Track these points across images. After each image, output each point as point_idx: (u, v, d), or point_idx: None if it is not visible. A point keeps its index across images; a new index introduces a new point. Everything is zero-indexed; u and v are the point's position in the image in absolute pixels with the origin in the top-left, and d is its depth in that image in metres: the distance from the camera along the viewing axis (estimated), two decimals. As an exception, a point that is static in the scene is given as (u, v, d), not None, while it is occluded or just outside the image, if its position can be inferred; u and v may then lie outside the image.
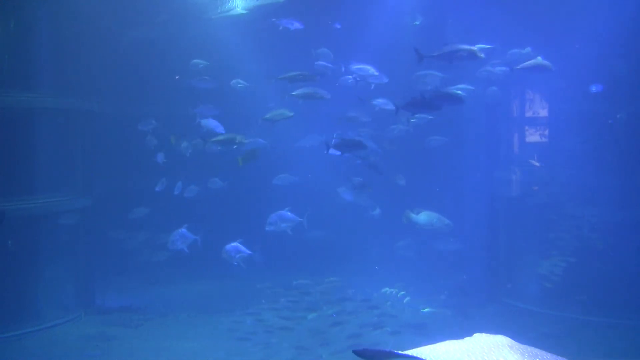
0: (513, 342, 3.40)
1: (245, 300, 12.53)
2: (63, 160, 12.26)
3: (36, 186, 11.53)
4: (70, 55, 12.01)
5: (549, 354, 3.31)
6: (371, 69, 10.21)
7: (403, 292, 11.32)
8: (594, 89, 11.77)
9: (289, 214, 10.38)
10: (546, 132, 13.07)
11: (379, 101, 10.50)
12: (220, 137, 9.93)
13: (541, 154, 12.45)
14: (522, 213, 12.57)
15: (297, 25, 10.87)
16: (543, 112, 13.00)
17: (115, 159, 13.58)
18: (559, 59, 10.95)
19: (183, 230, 10.79)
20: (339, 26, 11.52)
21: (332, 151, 11.31)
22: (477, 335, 3.45)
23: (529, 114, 13.22)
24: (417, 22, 12.32)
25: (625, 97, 11.42)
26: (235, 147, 10.15)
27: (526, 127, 13.15)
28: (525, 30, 11.29)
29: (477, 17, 12.10)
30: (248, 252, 9.90)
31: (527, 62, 9.66)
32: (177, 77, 13.49)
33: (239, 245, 9.89)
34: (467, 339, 3.43)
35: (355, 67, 10.32)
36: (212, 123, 11.15)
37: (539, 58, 9.58)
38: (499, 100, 12.54)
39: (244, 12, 12.71)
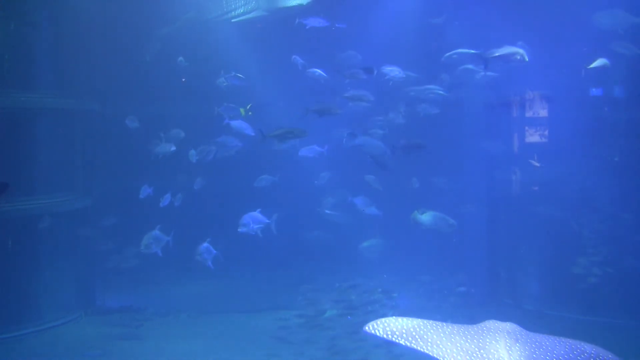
0: (516, 328, 3.82)
1: (244, 300, 12.61)
2: (63, 160, 12.23)
3: (36, 186, 11.52)
4: (71, 55, 11.98)
5: (551, 337, 3.56)
6: (400, 71, 10.93)
7: (395, 295, 11.26)
8: (594, 90, 11.82)
9: (260, 215, 10.18)
10: (547, 133, 13.07)
11: (423, 106, 11.53)
12: (279, 131, 9.73)
13: (547, 155, 12.42)
14: (524, 213, 12.58)
15: (323, 22, 10.99)
16: (548, 114, 12.96)
17: (116, 159, 13.56)
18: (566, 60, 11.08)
19: (156, 232, 10.50)
20: (343, 26, 11.53)
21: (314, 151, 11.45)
22: (487, 322, 3.74)
23: (529, 114, 13.20)
24: (439, 20, 12.35)
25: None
26: (293, 140, 9.92)
27: (529, 128, 13.13)
28: (528, 31, 11.27)
29: (479, 17, 12.10)
30: (215, 251, 9.89)
31: (595, 62, 9.73)
32: (183, 80, 13.49)
33: (208, 245, 9.86)
34: (480, 324, 3.80)
35: (388, 68, 10.91)
36: (240, 124, 11.14)
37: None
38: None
39: (265, 13, 12.66)
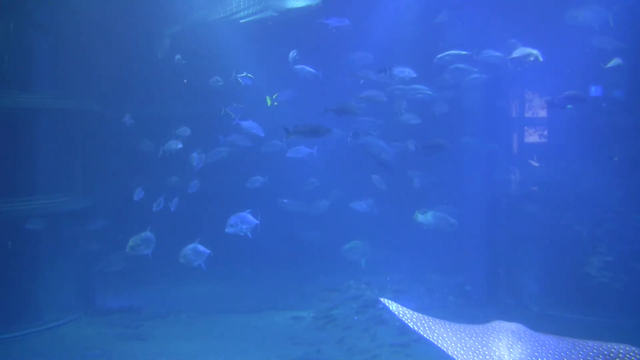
0: (521, 328, 3.94)
1: (245, 300, 12.60)
2: (63, 160, 12.22)
3: (36, 186, 11.50)
4: (71, 55, 11.98)
5: (555, 336, 3.65)
6: (410, 71, 10.86)
7: (388, 296, 11.23)
8: (593, 90, 11.85)
9: (250, 216, 9.92)
10: (547, 133, 13.09)
11: (439, 108, 11.82)
12: (304, 128, 9.62)
13: (548, 154, 12.43)
14: (521, 213, 12.58)
15: (344, 21, 11.05)
16: (548, 114, 12.97)
17: (116, 159, 13.56)
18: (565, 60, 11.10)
19: (147, 233, 10.14)
20: (347, 23, 11.58)
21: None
22: (493, 322, 3.94)
23: (529, 114, 13.23)
24: (442, 18, 12.38)
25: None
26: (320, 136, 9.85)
27: (530, 128, 13.16)
28: (527, 30, 11.28)
29: (480, 18, 12.12)
30: (207, 251, 9.62)
31: (611, 62, 9.79)
32: (185, 81, 13.49)
33: (197, 245, 9.60)
34: (486, 324, 3.91)
35: (398, 69, 10.85)
36: (250, 124, 11.10)
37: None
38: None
39: (274, 14, 12.66)
